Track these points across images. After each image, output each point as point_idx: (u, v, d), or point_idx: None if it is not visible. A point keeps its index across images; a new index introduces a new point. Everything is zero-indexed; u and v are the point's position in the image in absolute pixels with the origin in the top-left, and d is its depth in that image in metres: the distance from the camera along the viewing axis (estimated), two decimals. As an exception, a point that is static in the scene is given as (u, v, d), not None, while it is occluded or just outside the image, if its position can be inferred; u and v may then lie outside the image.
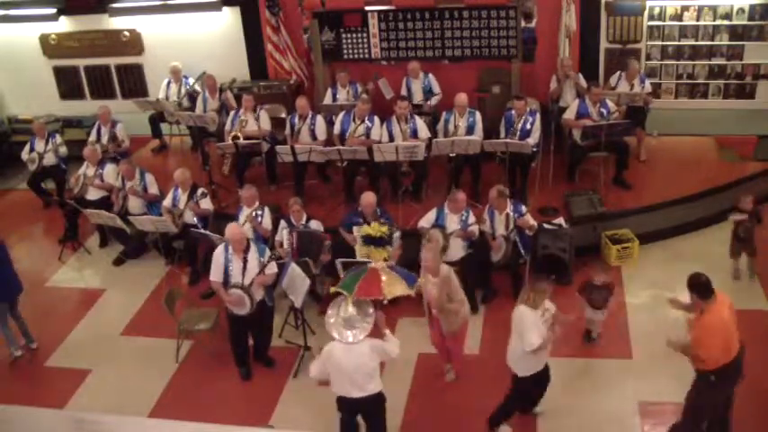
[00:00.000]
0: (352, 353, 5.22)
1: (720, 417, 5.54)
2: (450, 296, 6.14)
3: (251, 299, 6.53)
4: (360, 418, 5.72)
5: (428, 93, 9.91)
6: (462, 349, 6.71)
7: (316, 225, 7.69)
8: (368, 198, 7.54)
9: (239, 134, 9.23)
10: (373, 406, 5.51)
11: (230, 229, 6.59)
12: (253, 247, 6.63)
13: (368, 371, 5.30)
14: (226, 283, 6.56)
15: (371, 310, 5.34)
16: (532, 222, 7.53)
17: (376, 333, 5.40)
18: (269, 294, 6.84)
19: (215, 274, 6.60)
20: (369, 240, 6.21)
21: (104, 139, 10.02)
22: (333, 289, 5.66)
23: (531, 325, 5.44)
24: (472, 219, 7.54)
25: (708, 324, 5.17)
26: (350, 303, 5.32)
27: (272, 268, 6.69)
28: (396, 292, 5.53)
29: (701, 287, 5.21)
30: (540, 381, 5.85)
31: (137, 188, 8.80)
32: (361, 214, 7.59)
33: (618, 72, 9.45)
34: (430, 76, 9.93)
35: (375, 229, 6.21)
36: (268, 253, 6.74)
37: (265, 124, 9.50)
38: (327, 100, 9.97)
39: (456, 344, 6.57)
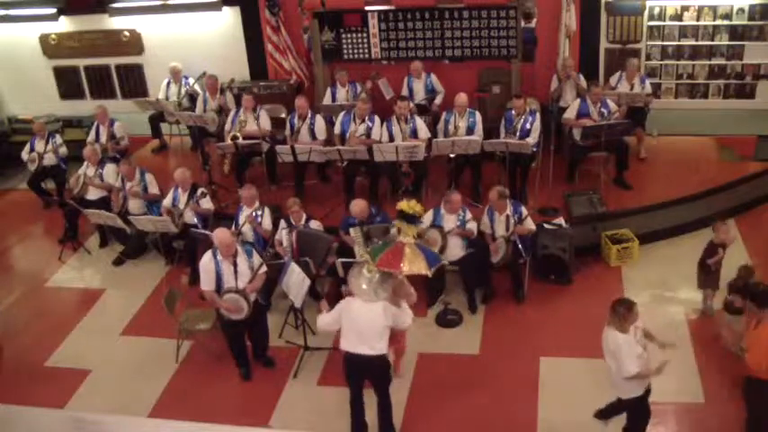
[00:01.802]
0: (368, 310, 5.54)
1: None
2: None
3: (247, 301, 6.51)
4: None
5: (430, 92, 9.92)
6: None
7: (315, 225, 7.69)
8: (359, 207, 7.49)
9: (238, 134, 9.23)
10: (380, 367, 5.72)
11: (219, 233, 6.50)
12: (240, 250, 6.60)
13: (378, 330, 5.59)
14: (218, 289, 6.51)
15: (392, 279, 5.64)
16: (532, 227, 7.54)
17: (394, 302, 5.68)
18: (262, 294, 6.84)
19: (206, 283, 6.50)
20: (401, 215, 6.35)
21: (103, 138, 10.03)
22: (362, 252, 6.08)
23: (626, 351, 5.18)
24: (469, 216, 7.54)
25: (761, 335, 5.14)
26: (373, 268, 5.61)
27: (262, 268, 6.69)
28: (414, 269, 5.77)
29: (761, 296, 5.20)
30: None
31: (137, 189, 8.79)
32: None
33: (618, 72, 9.47)
34: (432, 75, 9.94)
35: (410, 206, 6.35)
36: (257, 256, 6.72)
37: (265, 124, 9.49)
38: (327, 99, 9.98)
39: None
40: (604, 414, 5.81)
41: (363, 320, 5.56)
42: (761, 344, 5.12)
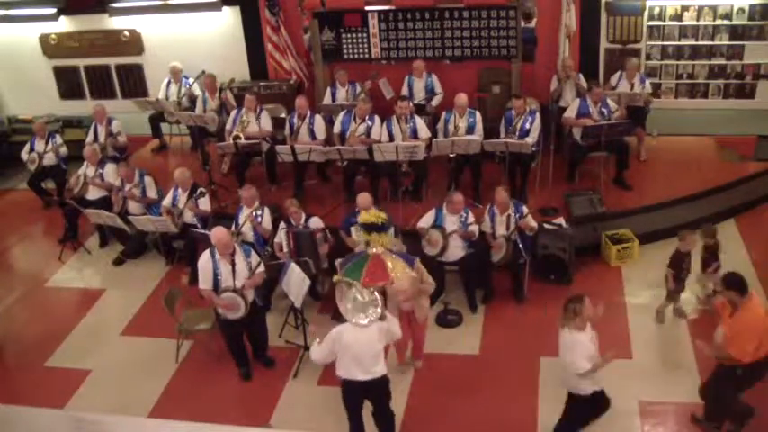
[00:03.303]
0: (362, 335, 5.33)
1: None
2: (424, 279, 6.25)
3: (245, 301, 6.52)
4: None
5: (430, 92, 9.93)
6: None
7: (316, 222, 7.68)
8: (364, 199, 7.51)
9: (240, 134, 9.23)
10: (379, 388, 5.60)
11: (216, 232, 6.52)
12: (238, 249, 6.60)
13: (374, 353, 5.41)
14: (216, 288, 6.51)
15: (377, 293, 5.45)
16: (533, 224, 7.53)
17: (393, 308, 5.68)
18: (261, 295, 6.85)
19: (204, 282, 6.53)
20: (371, 228, 6.34)
21: (101, 137, 10.03)
22: (336, 278, 5.71)
23: (581, 350, 5.22)
24: (471, 219, 7.54)
25: (745, 321, 5.19)
26: (358, 289, 5.42)
27: (260, 268, 6.69)
28: (400, 275, 5.72)
29: (740, 284, 5.24)
30: (597, 401, 5.60)
31: (135, 191, 8.79)
32: (358, 215, 7.58)
33: (618, 72, 9.48)
34: (433, 75, 9.93)
35: (374, 215, 6.35)
36: (255, 255, 6.72)
37: (266, 125, 9.48)
38: (327, 100, 9.98)
39: (423, 329, 6.66)
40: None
41: (358, 347, 5.33)
42: (744, 330, 5.16)
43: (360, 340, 5.33)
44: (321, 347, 5.47)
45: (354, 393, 5.61)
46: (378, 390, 5.62)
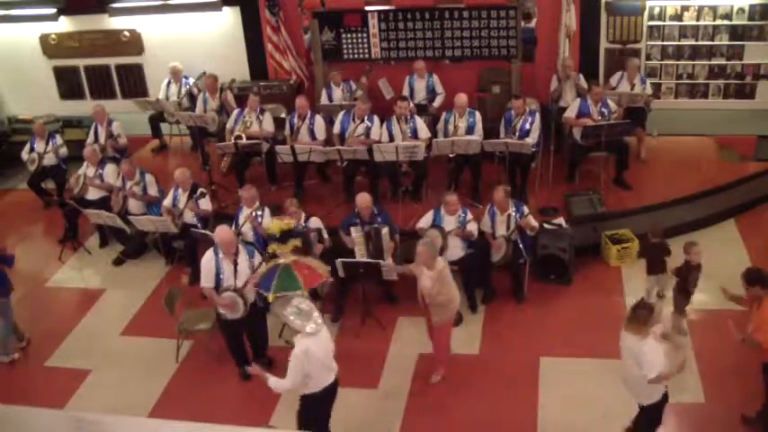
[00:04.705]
0: (322, 340, 5.37)
1: None
2: (440, 290, 6.19)
3: (245, 301, 6.52)
4: None
5: (431, 92, 9.93)
6: (448, 347, 6.71)
7: (315, 222, 7.68)
8: (364, 199, 7.52)
9: (242, 134, 9.23)
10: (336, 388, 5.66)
11: (220, 232, 6.53)
12: (241, 249, 6.62)
13: (332, 352, 5.51)
14: (217, 287, 6.52)
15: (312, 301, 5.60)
16: (534, 223, 7.52)
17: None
18: (261, 296, 6.85)
19: (206, 280, 6.54)
20: (288, 235, 6.41)
21: (102, 138, 10.03)
22: (272, 297, 5.88)
23: (651, 355, 5.11)
24: (470, 218, 7.54)
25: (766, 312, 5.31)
26: (297, 300, 5.42)
27: (262, 267, 6.68)
28: (323, 269, 6.04)
29: (763, 278, 5.36)
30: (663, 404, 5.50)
31: (136, 190, 8.79)
32: (358, 215, 7.59)
33: (619, 72, 9.48)
34: (434, 76, 9.94)
35: (283, 224, 6.43)
36: (258, 256, 6.72)
37: (268, 126, 9.48)
38: (324, 100, 9.98)
39: (441, 339, 6.58)
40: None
41: (325, 352, 5.39)
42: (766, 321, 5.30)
43: (323, 346, 5.35)
44: (291, 376, 5.28)
45: (329, 399, 5.61)
46: (336, 390, 5.64)
